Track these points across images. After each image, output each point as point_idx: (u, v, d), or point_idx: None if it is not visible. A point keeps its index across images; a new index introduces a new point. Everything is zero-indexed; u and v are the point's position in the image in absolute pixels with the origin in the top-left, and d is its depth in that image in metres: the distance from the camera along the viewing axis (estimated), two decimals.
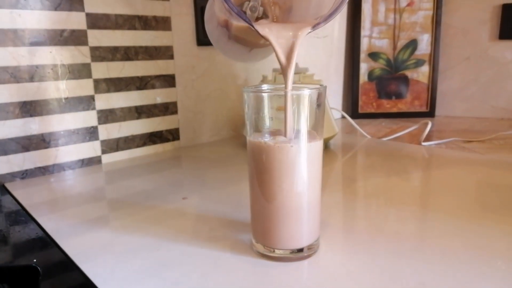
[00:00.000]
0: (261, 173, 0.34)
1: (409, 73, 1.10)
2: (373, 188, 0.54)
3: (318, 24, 0.33)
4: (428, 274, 0.32)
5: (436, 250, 0.36)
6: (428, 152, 0.73)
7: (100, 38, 0.64)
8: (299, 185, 0.34)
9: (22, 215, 0.47)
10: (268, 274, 0.33)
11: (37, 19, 0.58)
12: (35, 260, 0.34)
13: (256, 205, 0.36)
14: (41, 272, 0.25)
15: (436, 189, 0.54)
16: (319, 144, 0.34)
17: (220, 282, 0.32)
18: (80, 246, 0.39)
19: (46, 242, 0.40)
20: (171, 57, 0.74)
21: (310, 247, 0.36)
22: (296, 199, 0.34)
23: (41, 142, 0.61)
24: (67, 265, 0.35)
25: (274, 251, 0.35)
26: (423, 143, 0.80)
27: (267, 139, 0.34)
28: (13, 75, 0.57)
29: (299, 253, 0.35)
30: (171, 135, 0.76)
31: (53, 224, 0.44)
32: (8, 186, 0.57)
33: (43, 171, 0.62)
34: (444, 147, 0.78)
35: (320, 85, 0.34)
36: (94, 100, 0.65)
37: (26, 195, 0.54)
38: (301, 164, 0.33)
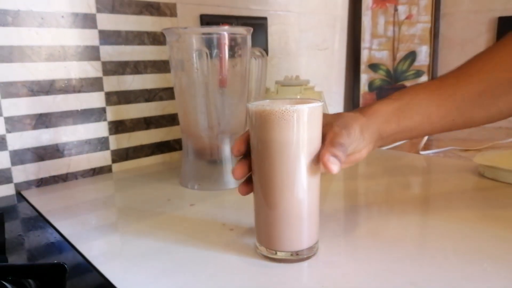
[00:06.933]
0: (262, 157, 0.36)
1: (408, 84, 1.13)
2: (372, 195, 0.57)
3: None
4: (424, 279, 0.35)
5: (433, 257, 0.38)
6: (426, 161, 0.76)
7: (112, 53, 0.68)
8: (299, 192, 0.37)
9: (40, 221, 0.50)
10: (270, 275, 0.36)
11: (53, 36, 0.62)
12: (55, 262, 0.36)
13: (260, 210, 0.39)
14: (68, 270, 0.28)
15: (433, 198, 0.56)
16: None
17: (226, 282, 0.35)
18: (96, 249, 0.42)
19: (64, 245, 0.43)
20: None
21: (309, 250, 0.38)
22: (297, 204, 0.37)
23: (55, 152, 0.64)
24: (86, 267, 0.38)
25: (276, 253, 0.38)
26: (421, 152, 0.82)
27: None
28: (30, 89, 0.60)
29: (299, 255, 0.38)
30: (178, 144, 0.79)
31: (69, 229, 0.47)
32: (25, 193, 0.60)
33: (57, 179, 0.65)
34: (442, 155, 0.81)
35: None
36: (105, 112, 0.69)
37: (42, 202, 0.57)
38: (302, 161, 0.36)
